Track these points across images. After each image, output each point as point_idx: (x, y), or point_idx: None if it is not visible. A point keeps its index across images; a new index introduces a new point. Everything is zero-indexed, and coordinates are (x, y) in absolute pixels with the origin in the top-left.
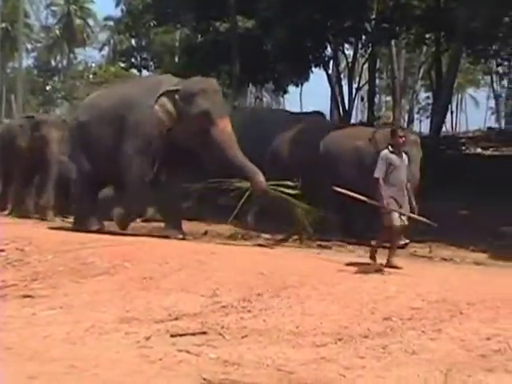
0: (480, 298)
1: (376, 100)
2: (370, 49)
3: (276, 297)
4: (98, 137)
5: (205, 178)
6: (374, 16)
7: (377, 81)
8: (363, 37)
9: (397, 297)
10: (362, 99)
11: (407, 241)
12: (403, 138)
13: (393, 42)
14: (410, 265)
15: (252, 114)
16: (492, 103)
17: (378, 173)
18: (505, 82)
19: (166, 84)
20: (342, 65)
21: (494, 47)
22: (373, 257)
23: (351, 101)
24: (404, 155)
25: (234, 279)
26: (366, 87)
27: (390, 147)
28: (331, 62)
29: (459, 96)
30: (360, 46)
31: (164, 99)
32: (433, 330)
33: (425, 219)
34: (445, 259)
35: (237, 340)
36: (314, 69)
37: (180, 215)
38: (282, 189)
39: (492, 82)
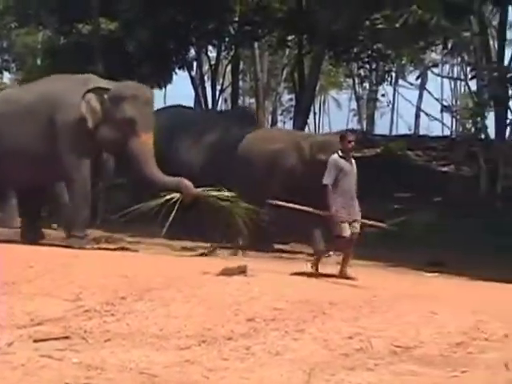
0: (342, 298)
1: (240, 102)
2: (233, 51)
3: (140, 300)
4: (16, 136)
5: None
6: (236, 18)
7: (240, 83)
8: (226, 39)
9: (260, 298)
10: (226, 101)
11: (331, 253)
12: (352, 143)
13: (256, 45)
14: (274, 266)
15: (178, 115)
16: (354, 105)
17: (327, 179)
18: (366, 85)
19: (94, 81)
20: (206, 67)
21: (355, 50)
22: (344, 272)
23: (215, 103)
24: (353, 161)
25: (98, 283)
26: (230, 89)
27: (339, 152)
28: (194, 63)
29: (322, 98)
30: (223, 48)
31: (91, 95)
32: (296, 331)
33: (379, 223)
34: (309, 260)
35: (100, 344)
36: (177, 71)
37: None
38: (215, 193)
39: (354, 84)
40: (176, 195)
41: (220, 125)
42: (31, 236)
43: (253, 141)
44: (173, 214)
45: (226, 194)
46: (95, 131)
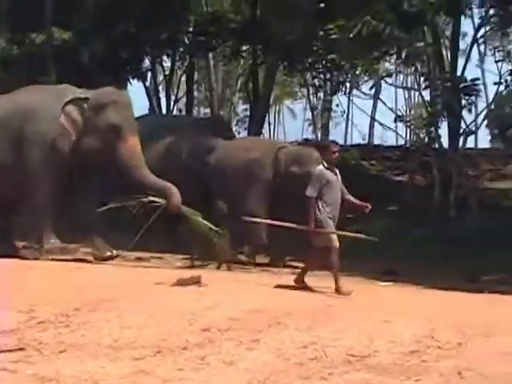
0: (297, 308)
1: (194, 112)
2: (188, 61)
3: (94, 311)
4: None
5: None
6: (191, 28)
7: (195, 93)
8: (180, 49)
9: (215, 307)
10: (180, 111)
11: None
12: (337, 154)
13: (210, 55)
14: (229, 276)
15: (158, 122)
16: (309, 115)
17: (312, 191)
18: (321, 95)
19: (71, 92)
20: (160, 77)
21: (309, 60)
22: (300, 280)
23: (169, 113)
24: (337, 171)
25: (52, 294)
26: (184, 99)
27: (324, 163)
28: (149, 73)
29: (277, 107)
30: (177, 58)
31: (70, 107)
32: (250, 340)
33: (362, 235)
34: (264, 270)
35: (54, 355)
36: (131, 81)
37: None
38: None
39: (308, 94)
40: (161, 201)
41: (195, 133)
42: (2, 248)
43: (228, 150)
44: (150, 221)
45: (209, 225)
46: (77, 143)
